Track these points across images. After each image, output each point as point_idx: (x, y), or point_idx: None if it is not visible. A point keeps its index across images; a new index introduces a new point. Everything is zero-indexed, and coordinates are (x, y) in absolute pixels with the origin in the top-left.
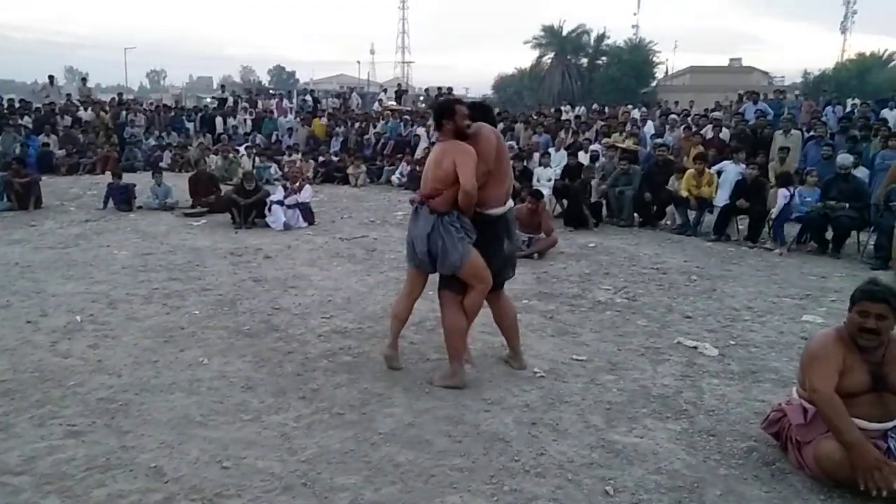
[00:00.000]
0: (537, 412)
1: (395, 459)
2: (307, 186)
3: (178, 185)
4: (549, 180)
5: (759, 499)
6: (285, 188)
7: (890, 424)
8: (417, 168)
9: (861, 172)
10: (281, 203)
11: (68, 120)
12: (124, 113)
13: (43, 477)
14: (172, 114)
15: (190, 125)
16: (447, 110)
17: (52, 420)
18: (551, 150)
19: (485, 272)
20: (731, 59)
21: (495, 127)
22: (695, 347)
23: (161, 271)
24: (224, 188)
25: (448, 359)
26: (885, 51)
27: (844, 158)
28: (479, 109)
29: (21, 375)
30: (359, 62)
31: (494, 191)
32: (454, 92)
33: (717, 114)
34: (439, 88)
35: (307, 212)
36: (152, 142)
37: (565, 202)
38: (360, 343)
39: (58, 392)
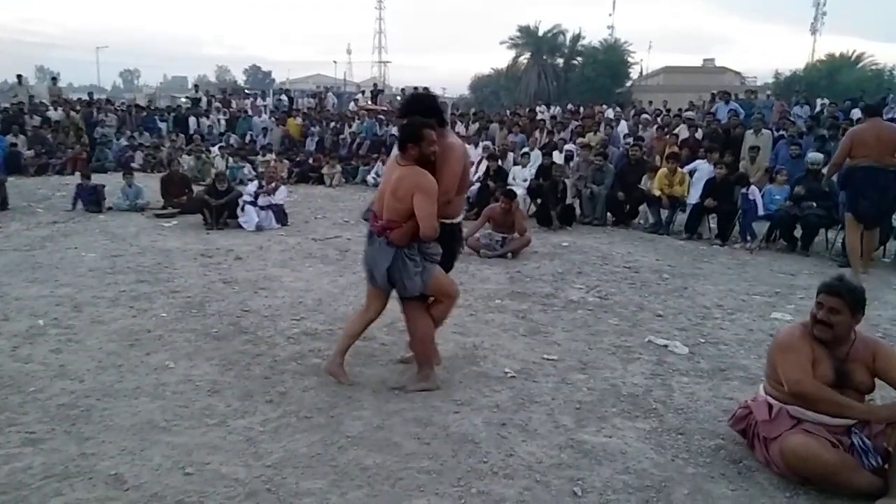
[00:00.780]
0: (507, 413)
1: (362, 463)
2: (282, 187)
3: (150, 185)
4: (525, 180)
5: (725, 497)
6: (259, 186)
7: (852, 420)
8: None
9: None
10: (253, 203)
11: (37, 120)
12: (95, 112)
13: None
14: (145, 114)
15: (163, 125)
16: (414, 134)
17: (9, 427)
18: (526, 149)
19: (451, 286)
20: (705, 60)
21: (444, 123)
22: (665, 346)
23: (129, 273)
24: (196, 189)
25: (417, 364)
26: (854, 51)
27: (814, 156)
28: (425, 103)
29: None
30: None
31: (458, 202)
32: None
33: (690, 113)
34: (415, 88)
35: (280, 213)
36: (124, 142)
37: (539, 201)
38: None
39: (17, 398)
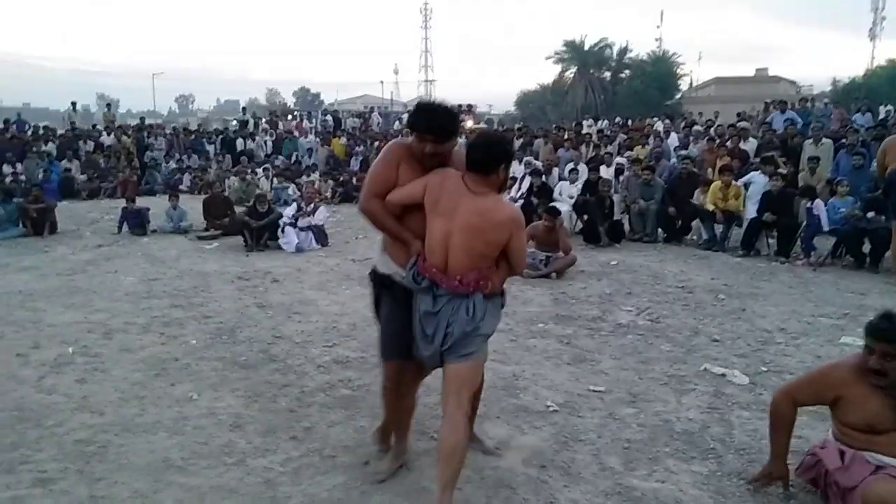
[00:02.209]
0: (548, 453)
1: None
2: (322, 208)
3: (196, 207)
4: (572, 196)
5: None
6: (299, 207)
7: None
8: None
9: None
10: (293, 224)
11: (91, 145)
12: (146, 137)
13: None
14: (193, 137)
15: (210, 147)
16: (507, 154)
17: (21, 465)
18: (577, 165)
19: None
20: (758, 69)
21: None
22: (723, 375)
23: (164, 298)
24: (237, 210)
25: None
26: None
27: None
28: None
29: None
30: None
31: None
32: (476, 108)
33: (743, 123)
34: (460, 105)
35: (321, 233)
36: (172, 165)
37: (586, 218)
38: (361, 374)
39: (34, 433)
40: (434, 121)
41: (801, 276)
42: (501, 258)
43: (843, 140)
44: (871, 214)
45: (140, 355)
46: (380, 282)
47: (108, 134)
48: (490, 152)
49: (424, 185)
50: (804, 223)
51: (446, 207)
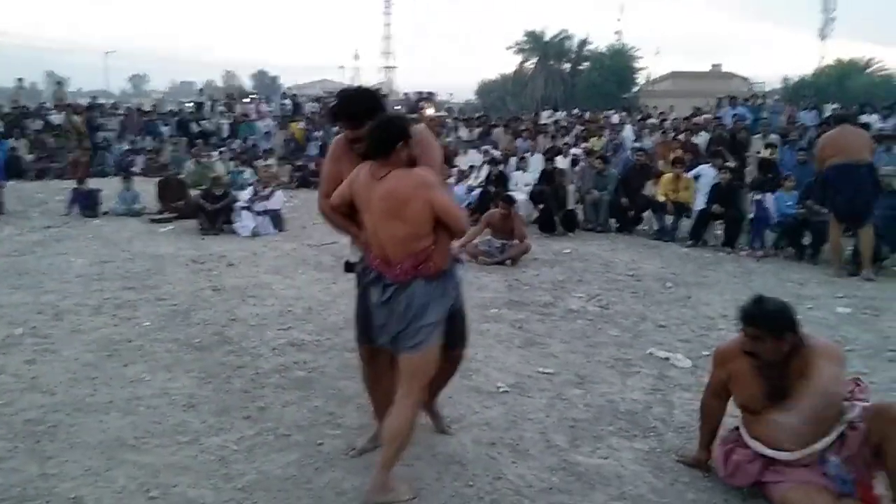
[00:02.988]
0: (497, 431)
1: (339, 486)
2: (278, 192)
3: (149, 190)
4: (527, 185)
5: None
6: (255, 191)
7: (813, 448)
8: None
9: None
10: (249, 208)
11: (39, 124)
12: (98, 117)
13: None
14: (147, 118)
15: (165, 129)
16: (403, 131)
17: None
18: (528, 154)
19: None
20: (713, 65)
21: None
22: (667, 359)
23: (116, 280)
24: (194, 193)
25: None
26: (864, 57)
27: None
28: (368, 99)
29: None
30: (342, 67)
31: None
32: (437, 96)
33: (706, 117)
34: (419, 93)
35: (277, 218)
36: (125, 146)
37: (541, 207)
38: (316, 357)
39: None
40: (344, 107)
41: (745, 266)
42: (441, 231)
43: (789, 136)
44: (809, 202)
45: (92, 336)
46: (350, 270)
47: (58, 112)
48: (382, 135)
49: (349, 183)
50: (752, 215)
51: (364, 201)
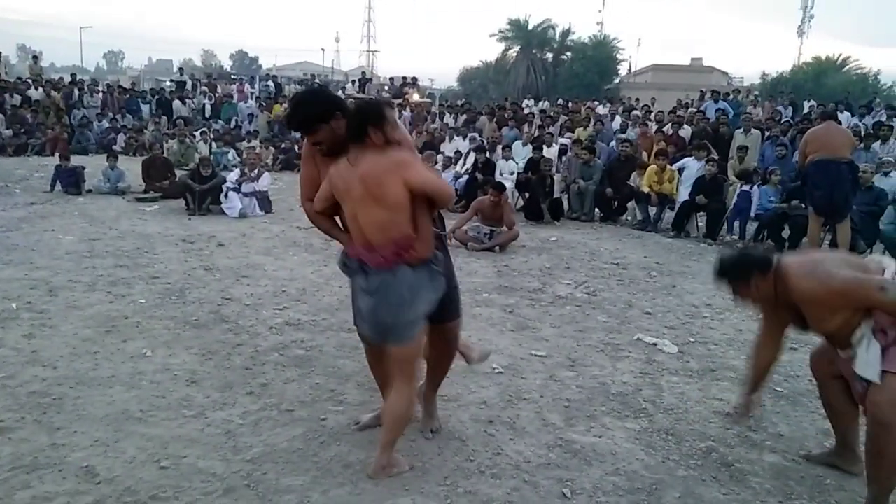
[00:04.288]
0: (494, 410)
1: (345, 459)
2: (266, 174)
3: (132, 169)
4: (512, 173)
5: (717, 501)
6: (243, 172)
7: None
8: None
9: None
10: (237, 189)
11: (17, 99)
12: (77, 93)
13: None
14: (128, 96)
15: (146, 108)
16: (378, 115)
17: None
18: (512, 143)
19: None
20: (693, 59)
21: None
22: (654, 344)
23: (107, 257)
24: (179, 173)
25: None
26: (840, 55)
27: None
28: (325, 98)
29: None
30: (323, 50)
31: None
32: (419, 82)
33: (682, 112)
34: (404, 78)
35: (264, 200)
36: (106, 124)
37: (527, 195)
38: (314, 336)
39: None
40: (294, 114)
41: None
42: (423, 218)
43: (769, 131)
44: (794, 202)
45: (88, 312)
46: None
47: (36, 88)
48: (355, 120)
49: (328, 181)
50: (732, 206)
51: (343, 191)
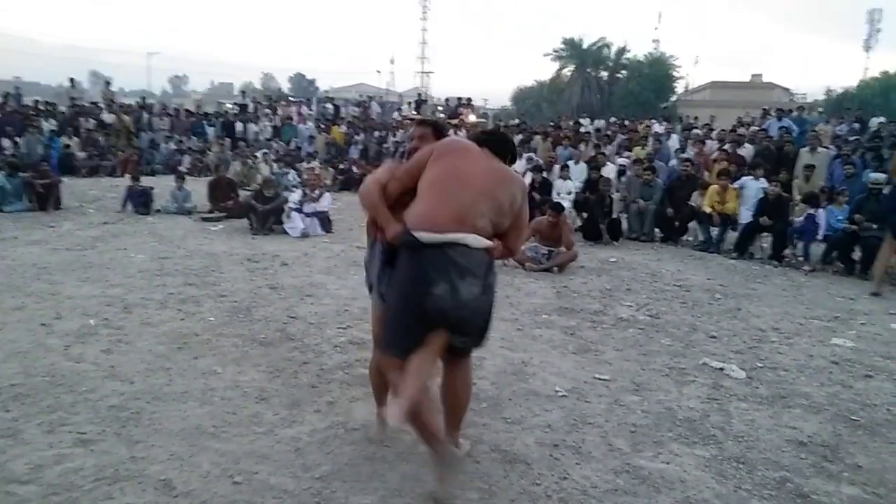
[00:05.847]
0: (559, 433)
1: (412, 479)
2: (326, 194)
3: (196, 189)
4: (570, 193)
5: None
6: (305, 193)
7: None
8: None
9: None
10: (299, 210)
11: (91, 123)
12: (146, 116)
13: (50, 487)
14: (193, 118)
15: (210, 130)
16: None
17: (61, 427)
18: (570, 162)
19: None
20: (753, 75)
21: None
22: (721, 369)
23: (177, 276)
24: (242, 193)
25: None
26: None
27: (875, 176)
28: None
29: (32, 380)
30: (379, 71)
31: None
32: (473, 102)
33: (743, 130)
34: (459, 99)
35: (325, 220)
36: (172, 146)
37: (585, 215)
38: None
39: (69, 398)
40: (501, 143)
41: (794, 279)
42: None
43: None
44: (864, 223)
45: (161, 329)
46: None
47: (109, 112)
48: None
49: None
50: (798, 226)
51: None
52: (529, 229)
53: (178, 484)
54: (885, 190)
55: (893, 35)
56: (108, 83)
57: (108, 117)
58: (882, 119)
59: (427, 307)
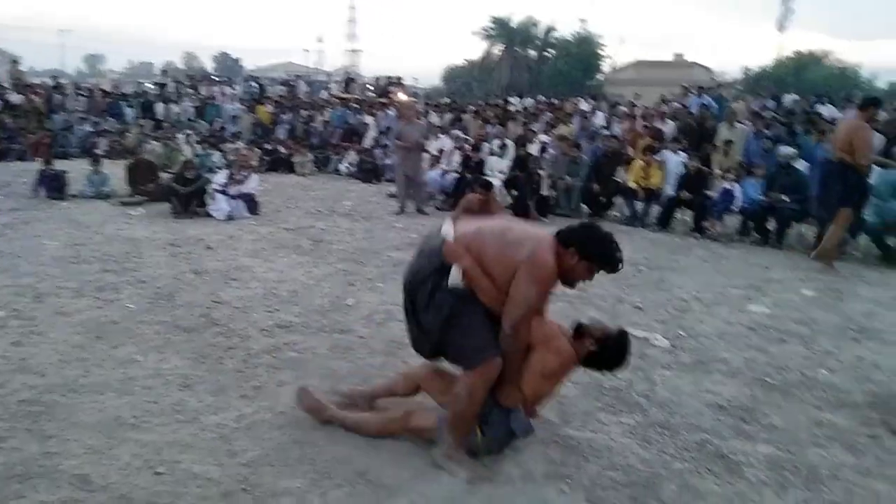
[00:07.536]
0: None
1: (342, 461)
2: (253, 176)
3: (115, 172)
4: (501, 171)
5: (713, 493)
6: (230, 174)
7: None
8: (366, 158)
9: (802, 165)
10: (223, 192)
11: None
12: (60, 97)
13: None
14: (110, 99)
15: (129, 111)
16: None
17: None
18: (504, 141)
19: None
20: (675, 55)
21: None
22: (645, 338)
23: (94, 263)
24: (163, 176)
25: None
26: (821, 49)
27: (786, 151)
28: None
29: None
30: (307, 50)
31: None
32: (403, 81)
33: (667, 106)
34: (388, 77)
35: (251, 202)
36: (87, 128)
37: (515, 193)
38: (306, 338)
39: None
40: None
41: (714, 250)
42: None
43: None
44: (775, 194)
45: (77, 318)
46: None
47: (17, 92)
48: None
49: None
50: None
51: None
52: (459, 208)
53: (96, 478)
54: (798, 165)
55: (806, 15)
56: (14, 62)
57: (15, 98)
58: (796, 97)
59: None
